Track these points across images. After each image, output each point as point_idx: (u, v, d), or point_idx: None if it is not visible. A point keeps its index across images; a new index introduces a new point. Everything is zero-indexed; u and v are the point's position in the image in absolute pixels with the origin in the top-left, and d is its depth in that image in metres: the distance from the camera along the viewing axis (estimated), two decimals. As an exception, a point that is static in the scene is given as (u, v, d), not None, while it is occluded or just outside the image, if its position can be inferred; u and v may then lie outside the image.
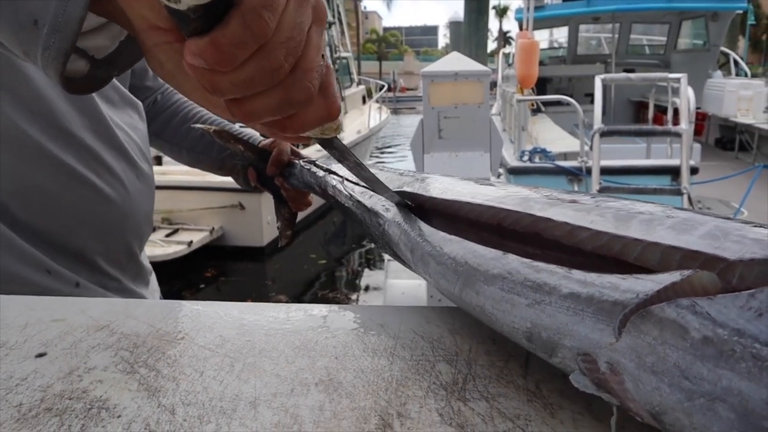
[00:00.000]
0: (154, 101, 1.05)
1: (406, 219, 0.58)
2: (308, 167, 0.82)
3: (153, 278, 1.02)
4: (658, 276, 0.35)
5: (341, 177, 0.74)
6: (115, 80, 0.87)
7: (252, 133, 1.00)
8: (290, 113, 0.38)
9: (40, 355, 0.53)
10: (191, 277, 5.84)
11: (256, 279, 6.21)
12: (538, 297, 0.41)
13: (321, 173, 0.78)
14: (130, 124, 0.89)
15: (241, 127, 1.01)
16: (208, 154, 1.02)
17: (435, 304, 0.69)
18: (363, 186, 0.68)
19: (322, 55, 0.38)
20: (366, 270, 6.65)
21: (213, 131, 0.88)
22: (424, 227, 0.55)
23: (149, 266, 1.00)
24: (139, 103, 0.93)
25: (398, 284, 3.31)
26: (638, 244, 0.37)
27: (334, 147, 0.50)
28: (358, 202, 0.67)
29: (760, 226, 0.37)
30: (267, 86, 0.36)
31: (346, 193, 0.70)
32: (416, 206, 0.59)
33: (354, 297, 5.96)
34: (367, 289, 6.13)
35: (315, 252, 6.89)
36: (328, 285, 6.17)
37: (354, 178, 0.71)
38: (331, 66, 0.41)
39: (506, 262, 0.44)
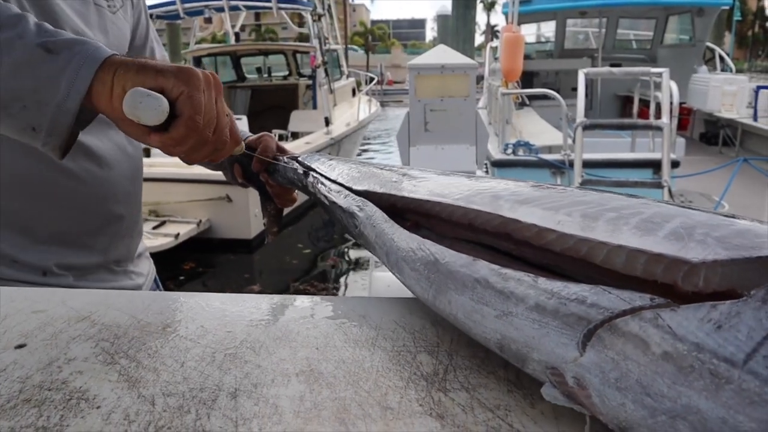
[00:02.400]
0: None
1: (379, 221, 0.58)
2: (291, 164, 0.81)
3: (147, 260, 1.02)
4: (623, 293, 0.34)
5: (320, 175, 0.74)
6: None
7: (240, 129, 1.00)
8: (216, 154, 0.64)
9: (20, 347, 0.52)
10: (178, 269, 5.80)
11: (243, 271, 6.18)
12: (506, 308, 0.41)
13: (302, 170, 0.78)
14: None
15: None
16: None
17: None
18: (340, 184, 0.68)
19: (227, 114, 0.64)
20: (353, 262, 6.65)
21: None
22: (398, 230, 0.54)
23: (141, 248, 1.00)
24: None
25: (383, 277, 3.31)
26: (604, 247, 0.37)
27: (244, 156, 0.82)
28: (334, 201, 0.67)
29: (728, 217, 0.37)
30: (200, 147, 0.60)
31: (324, 191, 0.70)
32: (389, 205, 0.58)
33: (340, 289, 5.96)
34: (353, 281, 6.13)
35: (303, 243, 6.88)
36: (315, 277, 6.16)
37: (333, 176, 0.71)
38: (232, 114, 0.66)
39: (476, 269, 0.44)
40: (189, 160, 0.64)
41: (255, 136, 0.96)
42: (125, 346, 0.52)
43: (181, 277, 5.75)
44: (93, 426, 0.41)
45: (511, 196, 0.47)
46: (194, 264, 6.00)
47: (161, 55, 1.04)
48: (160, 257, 5.31)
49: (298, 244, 6.77)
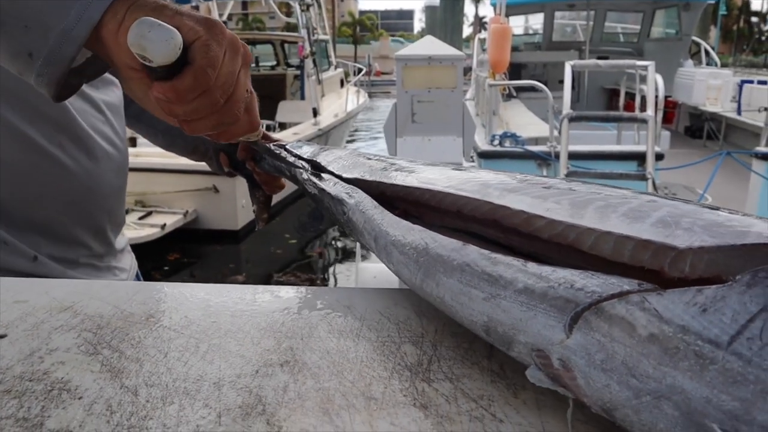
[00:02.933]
0: None
1: (369, 207, 0.58)
2: (278, 152, 0.81)
3: (130, 255, 1.01)
4: (611, 278, 0.35)
5: (308, 162, 0.74)
6: None
7: None
8: (223, 130, 0.57)
9: (1, 337, 0.52)
10: (163, 260, 5.77)
11: (230, 262, 6.16)
12: (494, 291, 0.41)
13: (290, 158, 0.78)
14: (106, 102, 0.88)
15: None
16: (183, 138, 1.02)
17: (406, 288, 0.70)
18: (329, 172, 0.68)
19: (247, 90, 0.56)
20: (340, 253, 6.65)
21: None
22: (387, 216, 0.55)
23: (124, 242, 0.99)
24: (114, 79, 0.92)
25: (370, 268, 3.32)
26: (592, 233, 0.38)
27: (257, 146, 0.76)
28: (323, 189, 0.67)
29: (713, 209, 0.37)
30: (207, 114, 0.53)
31: (313, 179, 0.70)
32: (379, 193, 0.58)
33: (327, 280, 5.96)
34: (340, 272, 6.13)
35: (290, 234, 6.86)
36: (301, 268, 6.15)
37: (322, 164, 0.71)
38: (255, 94, 0.59)
39: (465, 253, 0.44)
40: (190, 128, 0.54)
41: None
42: (108, 336, 0.52)
43: (166, 268, 5.73)
44: (75, 417, 0.40)
45: (500, 185, 0.48)
46: (179, 255, 5.97)
47: None
48: (145, 248, 5.31)
49: (285, 234, 6.75)
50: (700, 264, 0.32)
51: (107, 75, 0.89)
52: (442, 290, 0.46)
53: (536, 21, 11.44)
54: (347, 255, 6.37)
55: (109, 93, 0.90)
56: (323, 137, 7.84)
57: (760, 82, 8.36)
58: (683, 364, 0.29)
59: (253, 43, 10.17)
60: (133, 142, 5.53)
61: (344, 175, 0.64)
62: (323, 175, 0.68)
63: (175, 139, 1.02)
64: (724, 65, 13.19)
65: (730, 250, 0.32)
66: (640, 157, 4.03)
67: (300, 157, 0.76)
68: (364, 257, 3.76)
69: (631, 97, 5.21)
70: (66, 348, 0.50)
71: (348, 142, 11.36)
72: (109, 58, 0.52)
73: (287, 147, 0.82)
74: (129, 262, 1.00)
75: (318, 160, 0.72)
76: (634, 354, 0.32)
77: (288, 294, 0.61)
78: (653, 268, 0.34)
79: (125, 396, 0.43)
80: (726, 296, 0.29)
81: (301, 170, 0.74)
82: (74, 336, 0.52)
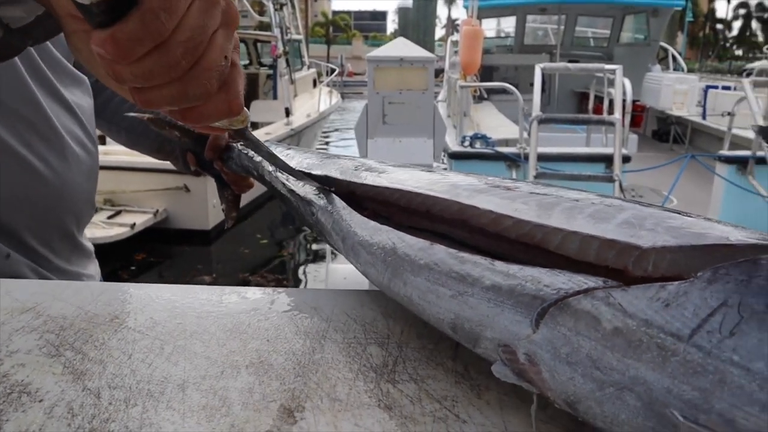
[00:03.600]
0: (96, 79, 1.00)
1: (337, 207, 0.58)
2: (245, 152, 0.81)
3: (94, 262, 0.99)
4: (577, 276, 0.36)
5: (276, 162, 0.74)
6: (60, 56, 0.84)
7: None
8: (187, 106, 0.42)
9: (-42, 339, 0.51)
10: (131, 260, 5.68)
11: (200, 263, 6.09)
12: (462, 288, 0.42)
13: (257, 158, 0.77)
14: (75, 101, 0.86)
15: None
16: (146, 136, 1.00)
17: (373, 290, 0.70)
18: (298, 172, 0.68)
19: (226, 57, 0.41)
20: (311, 254, 6.62)
21: (147, 118, 0.86)
22: (355, 216, 0.55)
23: (90, 248, 0.97)
24: (86, 79, 0.90)
25: (340, 269, 3.31)
26: (559, 233, 0.39)
27: (245, 138, 0.57)
28: (291, 190, 0.67)
29: (676, 212, 0.38)
30: (165, 80, 0.39)
31: (281, 179, 0.70)
32: (348, 193, 0.59)
33: (298, 281, 5.94)
34: (310, 273, 6.11)
35: (262, 234, 6.82)
36: (272, 269, 6.12)
37: (288, 165, 0.70)
38: (240, 67, 0.44)
39: (432, 252, 0.45)
40: (142, 99, 0.40)
41: None
42: (71, 338, 0.51)
43: (133, 268, 5.64)
44: (34, 420, 0.40)
45: (468, 186, 0.49)
46: (148, 255, 5.89)
47: None
48: (113, 247, 5.22)
49: (257, 234, 6.70)
50: (662, 263, 0.33)
51: (74, 72, 0.88)
52: (410, 289, 0.47)
53: (508, 24, 11.56)
54: (318, 256, 6.35)
55: (81, 94, 0.89)
56: (295, 137, 7.81)
57: (725, 88, 8.58)
58: (646, 356, 0.30)
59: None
60: (102, 140, 5.43)
61: (313, 174, 0.64)
62: (291, 175, 0.68)
63: (139, 137, 1.00)
64: (690, 71, 13.50)
65: (691, 250, 0.33)
66: (607, 160, 4.11)
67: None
68: (334, 258, 3.75)
69: (600, 100, 5.29)
70: (27, 350, 0.49)
71: (320, 142, 11.32)
72: (51, 8, 0.42)
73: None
74: (94, 269, 0.98)
75: (286, 160, 0.72)
76: (599, 347, 0.33)
77: (255, 295, 0.61)
78: (617, 267, 0.35)
79: (87, 398, 0.42)
80: (688, 292, 0.30)
81: (270, 170, 0.73)
82: (36, 338, 0.51)
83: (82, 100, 0.88)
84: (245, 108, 0.47)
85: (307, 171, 0.66)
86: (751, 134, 4.20)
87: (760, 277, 0.29)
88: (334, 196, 0.59)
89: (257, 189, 0.90)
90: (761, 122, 3.86)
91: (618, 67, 4.05)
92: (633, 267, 0.34)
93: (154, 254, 5.97)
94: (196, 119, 0.44)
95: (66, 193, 0.84)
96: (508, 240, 0.42)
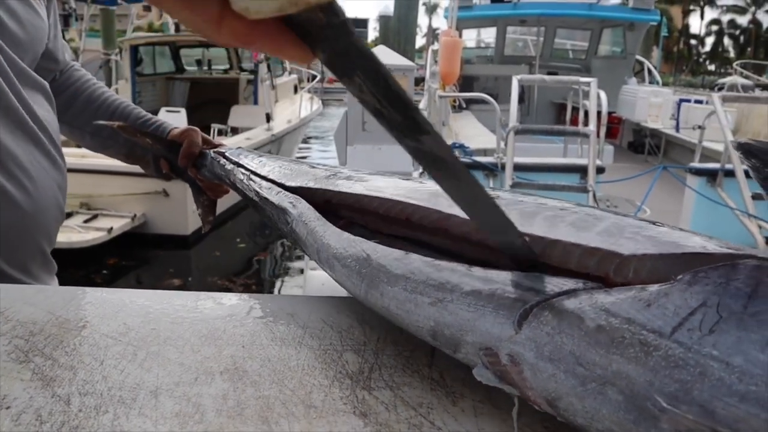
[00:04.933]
0: (53, 79, 0.97)
1: (311, 218, 0.57)
2: (218, 159, 0.80)
3: (54, 278, 0.96)
4: (558, 279, 0.36)
5: (249, 171, 0.72)
6: (23, 64, 0.81)
7: (160, 121, 0.96)
8: None
9: (-76, 343, 0.49)
10: (107, 265, 5.60)
11: (178, 268, 6.02)
12: (440, 295, 0.42)
13: (230, 166, 0.76)
14: (43, 116, 0.83)
15: (149, 117, 0.97)
16: (114, 140, 0.97)
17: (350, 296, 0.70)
18: (271, 181, 0.67)
19: None
20: (290, 260, 6.59)
21: (117, 126, 0.85)
22: (329, 228, 0.54)
23: (54, 264, 0.95)
24: (47, 85, 0.87)
25: (317, 275, 3.30)
26: (541, 241, 0.39)
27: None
28: (265, 198, 0.66)
29: (654, 223, 0.39)
30: None
31: (254, 188, 0.69)
32: (323, 202, 0.58)
33: (276, 287, 5.90)
34: (289, 279, 6.07)
35: (242, 239, 6.77)
36: (250, 275, 6.07)
37: (263, 173, 0.69)
38: None
39: (408, 261, 0.45)
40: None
41: (179, 130, 0.93)
42: (41, 343, 0.50)
43: (105, 272, 5.55)
44: (1, 427, 0.39)
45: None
46: (121, 259, 5.80)
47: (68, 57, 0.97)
48: (89, 252, 5.13)
49: (236, 239, 6.65)
50: (642, 270, 0.34)
51: (36, 79, 0.84)
52: (387, 300, 0.47)
53: (488, 35, 11.67)
54: (297, 262, 6.32)
55: (43, 102, 0.85)
56: (276, 143, 7.77)
57: (697, 101, 8.74)
58: (629, 351, 0.31)
59: (206, 45, 10.00)
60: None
61: (287, 183, 0.64)
62: (264, 183, 0.67)
63: (105, 141, 0.98)
64: (665, 84, 13.74)
65: (672, 258, 0.34)
66: (582, 170, 4.15)
67: (239, 165, 0.75)
68: (312, 264, 3.74)
69: (577, 111, 5.36)
70: (-5, 355, 0.48)
71: (300, 148, 11.29)
72: None
73: (227, 154, 0.80)
74: (54, 283, 0.96)
75: (258, 168, 0.71)
76: (582, 344, 0.33)
77: (231, 301, 0.60)
78: (599, 274, 0.36)
79: (56, 405, 0.42)
80: (668, 293, 0.31)
81: (242, 178, 0.72)
82: (4, 343, 0.50)
83: (49, 113, 0.85)
84: None
85: (279, 182, 0.65)
86: (720, 147, 4.28)
87: (737, 281, 0.30)
88: (307, 206, 0.59)
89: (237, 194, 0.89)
90: (729, 136, 3.93)
91: (593, 80, 4.11)
92: (614, 274, 0.35)
93: (130, 259, 5.88)
94: None
95: (39, 213, 0.81)
96: (490, 248, 0.42)
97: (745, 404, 0.27)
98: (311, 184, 0.61)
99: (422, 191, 0.50)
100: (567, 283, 0.36)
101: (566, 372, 0.34)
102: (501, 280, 0.39)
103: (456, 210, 0.46)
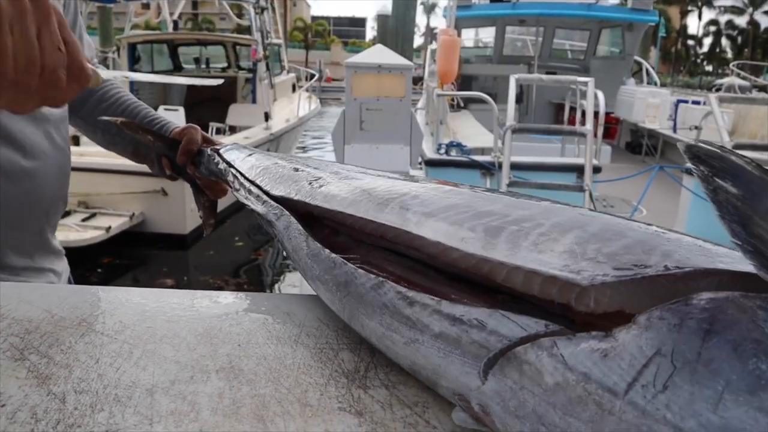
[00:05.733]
0: None
1: (295, 234, 0.57)
2: (213, 156, 0.80)
3: (63, 260, 0.97)
4: (521, 318, 0.35)
5: (239, 173, 0.72)
6: None
7: (165, 121, 0.97)
8: (52, 101, 0.48)
9: None
10: (105, 264, 5.59)
11: (176, 267, 6.01)
12: (413, 335, 0.42)
13: (222, 165, 0.76)
14: None
15: (154, 116, 0.97)
16: (122, 137, 0.98)
17: None
18: (258, 186, 0.66)
19: (59, 48, 0.46)
20: (286, 258, 6.58)
21: (120, 122, 0.85)
22: (312, 245, 0.54)
23: (60, 247, 0.95)
24: None
25: None
26: (503, 267, 0.39)
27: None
28: (253, 207, 0.65)
29: (624, 227, 0.39)
30: (22, 98, 0.45)
31: (243, 194, 0.68)
32: (306, 212, 0.58)
33: (273, 286, 5.89)
34: (286, 278, 6.07)
35: (240, 238, 6.76)
36: (248, 273, 6.06)
37: (251, 176, 0.68)
38: (75, 39, 0.48)
39: (383, 292, 0.44)
40: (18, 112, 0.49)
41: (179, 128, 0.93)
42: (36, 341, 0.50)
43: (99, 270, 5.54)
44: (-4, 424, 0.39)
45: (419, 207, 0.48)
46: (119, 259, 5.79)
47: (88, 43, 0.98)
48: (86, 250, 5.12)
49: (234, 237, 6.65)
50: (603, 299, 0.33)
51: None
52: (368, 332, 0.47)
53: (487, 34, 11.67)
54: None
55: None
56: (275, 142, 7.76)
57: (695, 102, 8.74)
58: (585, 414, 0.30)
59: (204, 44, 9.99)
60: (76, 141, 5.34)
61: (272, 192, 0.63)
62: (252, 188, 0.67)
63: (114, 137, 0.99)
64: (662, 85, 13.76)
65: (631, 284, 0.33)
66: (578, 170, 4.16)
67: (231, 165, 0.75)
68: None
69: (575, 111, 5.37)
70: (-10, 353, 0.48)
71: (299, 147, 11.29)
72: None
73: (220, 152, 0.80)
74: (63, 265, 0.97)
75: (248, 171, 0.70)
76: (542, 403, 0.32)
77: (227, 299, 0.60)
78: (562, 302, 0.35)
79: (52, 403, 0.42)
80: (625, 340, 0.30)
81: (233, 180, 0.72)
82: None
83: None
84: (93, 69, 0.51)
85: (265, 189, 0.64)
86: None
87: (691, 320, 0.29)
88: (291, 219, 0.58)
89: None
90: (725, 136, 3.94)
91: (590, 80, 4.12)
92: (576, 303, 0.34)
93: (127, 258, 5.87)
94: (60, 103, 0.50)
95: (36, 191, 0.82)
96: (459, 268, 0.42)
97: None
98: (293, 195, 0.60)
99: (394, 205, 0.49)
100: (530, 325, 0.35)
101: (531, 431, 0.33)
102: (467, 319, 0.38)
103: (423, 230, 0.45)
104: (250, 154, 0.76)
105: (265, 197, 0.63)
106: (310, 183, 0.60)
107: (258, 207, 0.64)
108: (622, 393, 0.29)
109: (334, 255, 0.51)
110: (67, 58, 0.47)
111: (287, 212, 0.59)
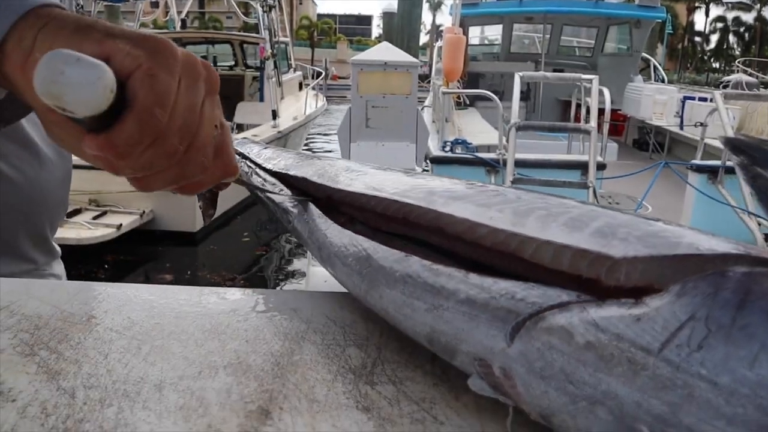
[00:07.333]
0: None
1: (313, 216, 0.57)
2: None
3: (60, 262, 0.97)
4: (551, 289, 0.36)
5: (254, 164, 0.72)
6: None
7: None
8: (187, 183, 0.42)
9: (-70, 337, 0.50)
10: (114, 261, 5.62)
11: (185, 264, 6.04)
12: (437, 302, 0.42)
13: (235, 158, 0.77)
14: None
15: None
16: None
17: None
18: (274, 174, 0.67)
19: (216, 125, 0.41)
20: (294, 256, 6.60)
21: None
22: (331, 226, 0.55)
23: (58, 249, 0.95)
24: None
25: (320, 271, 3.31)
26: (533, 242, 0.39)
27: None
28: (268, 194, 0.66)
29: (649, 219, 0.39)
30: (163, 168, 0.39)
31: (258, 182, 0.69)
32: (325, 198, 0.58)
33: (279, 283, 5.91)
34: (291, 275, 6.09)
35: (248, 235, 6.78)
36: (256, 270, 6.09)
37: (268, 167, 0.69)
38: (227, 127, 0.44)
39: (408, 264, 0.45)
40: (143, 185, 0.40)
41: None
42: (46, 337, 0.50)
43: (106, 267, 5.57)
44: (7, 420, 0.39)
45: (445, 193, 0.48)
46: (121, 255, 5.82)
47: None
48: (97, 248, 5.15)
49: (243, 234, 6.67)
50: (634, 273, 0.34)
51: None
52: (386, 302, 0.47)
53: (493, 32, 11.63)
54: (299, 258, 6.32)
55: None
56: (282, 140, 7.77)
57: (701, 99, 8.69)
58: (617, 370, 0.31)
59: (212, 42, 10.02)
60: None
61: (290, 180, 0.64)
62: (268, 178, 0.68)
63: None
64: (669, 82, 13.70)
65: (663, 260, 0.33)
66: (583, 167, 4.15)
67: (245, 157, 0.75)
68: (315, 260, 3.74)
69: (581, 108, 5.36)
70: (0, 349, 0.48)
71: (305, 145, 11.30)
72: (23, 98, 0.40)
73: (235, 147, 0.81)
74: (61, 268, 0.97)
75: (264, 162, 0.71)
76: (572, 361, 0.33)
77: (234, 296, 0.60)
78: (591, 276, 0.35)
79: (62, 398, 0.42)
80: (658, 306, 0.31)
81: (248, 172, 0.72)
82: (10, 336, 0.50)
83: None
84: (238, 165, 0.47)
85: (283, 178, 0.65)
86: (722, 144, 4.26)
87: (726, 290, 0.30)
88: (310, 204, 0.59)
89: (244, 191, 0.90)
90: (730, 133, 3.92)
91: (594, 77, 4.11)
92: (606, 277, 0.34)
93: (138, 255, 5.90)
94: (194, 191, 0.45)
95: (41, 199, 0.82)
96: (484, 247, 0.42)
97: (732, 428, 0.27)
98: (313, 180, 0.61)
99: (419, 189, 0.50)
100: (560, 295, 0.35)
101: (557, 389, 0.34)
102: (495, 289, 0.38)
103: (450, 209, 0.45)
104: (263, 147, 0.77)
105: (281, 185, 0.64)
106: (329, 171, 0.61)
107: (274, 196, 0.64)
108: (656, 351, 0.30)
109: (354, 234, 0.51)
110: (220, 139, 0.42)
111: (305, 198, 0.60)
